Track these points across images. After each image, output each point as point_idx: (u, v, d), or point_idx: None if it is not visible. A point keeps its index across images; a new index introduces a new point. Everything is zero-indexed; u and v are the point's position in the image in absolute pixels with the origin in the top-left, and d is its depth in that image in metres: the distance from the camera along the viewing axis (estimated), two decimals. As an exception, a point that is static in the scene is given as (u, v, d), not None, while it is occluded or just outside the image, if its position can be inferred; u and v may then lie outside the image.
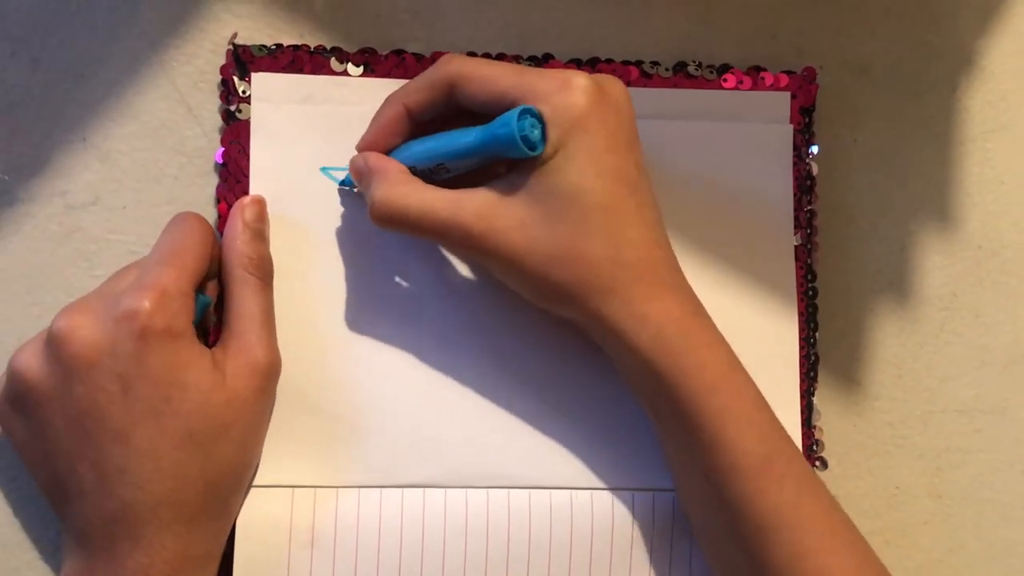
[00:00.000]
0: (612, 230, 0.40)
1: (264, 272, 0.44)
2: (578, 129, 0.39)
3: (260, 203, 0.45)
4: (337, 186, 0.47)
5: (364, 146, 0.43)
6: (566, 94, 0.39)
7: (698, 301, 0.42)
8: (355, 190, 0.46)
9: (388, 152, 0.43)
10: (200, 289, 0.43)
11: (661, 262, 0.41)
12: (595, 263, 0.39)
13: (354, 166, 0.43)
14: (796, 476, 0.40)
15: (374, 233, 0.46)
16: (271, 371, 0.43)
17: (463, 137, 0.40)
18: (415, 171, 0.42)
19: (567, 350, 0.46)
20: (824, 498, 0.40)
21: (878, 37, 0.50)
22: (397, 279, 0.46)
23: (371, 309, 0.46)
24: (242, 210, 0.44)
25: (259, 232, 0.44)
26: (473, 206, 0.40)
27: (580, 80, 0.40)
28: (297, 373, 0.45)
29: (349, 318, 0.46)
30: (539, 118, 0.39)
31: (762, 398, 0.41)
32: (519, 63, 0.48)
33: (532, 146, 0.38)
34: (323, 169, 0.46)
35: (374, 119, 0.43)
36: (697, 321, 0.41)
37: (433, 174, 0.42)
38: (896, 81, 0.50)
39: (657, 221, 0.42)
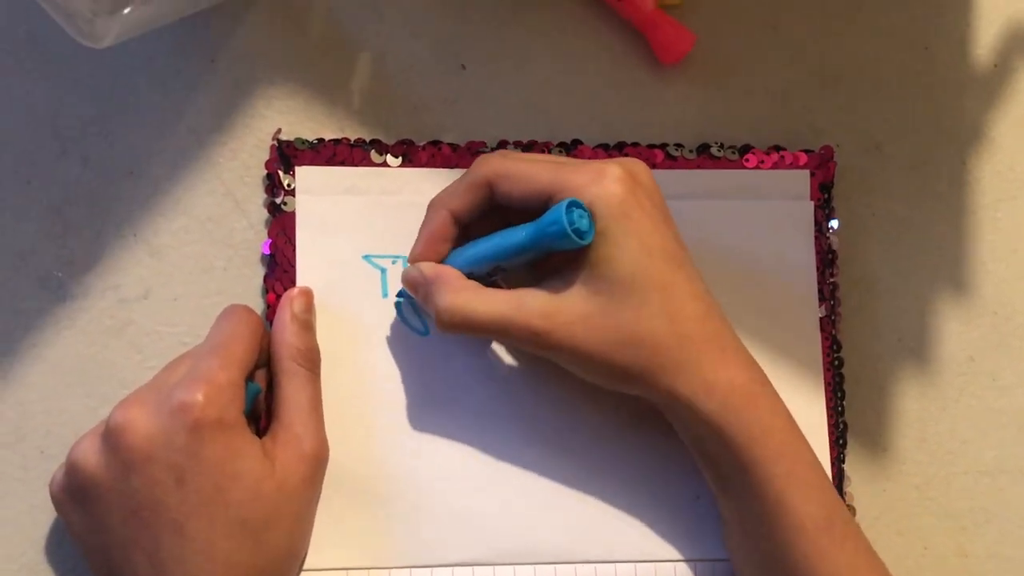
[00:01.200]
0: (671, 308, 0.40)
1: (312, 362, 0.44)
2: (620, 216, 0.40)
3: (307, 294, 0.45)
4: (380, 274, 0.47)
5: (416, 257, 0.43)
6: (603, 184, 0.40)
7: (757, 365, 0.42)
8: (403, 301, 0.46)
9: (440, 260, 0.43)
10: (250, 378, 0.43)
11: (720, 331, 0.41)
12: (660, 343, 0.40)
13: (409, 278, 0.43)
14: (854, 537, 0.41)
15: (416, 319, 0.46)
16: (319, 459, 0.43)
17: (514, 236, 0.41)
18: (471, 276, 0.42)
19: (611, 423, 0.46)
20: (876, 558, 0.42)
21: (889, 115, 0.50)
22: (439, 363, 0.46)
23: (415, 394, 0.46)
24: (290, 302, 0.44)
25: (307, 323, 0.44)
26: (535, 305, 0.40)
27: (613, 169, 0.40)
28: (345, 459, 0.45)
29: (394, 404, 0.46)
30: (584, 209, 0.40)
31: (819, 462, 0.42)
32: (549, 152, 0.48)
33: (582, 236, 0.39)
34: (366, 257, 0.47)
35: (422, 229, 0.43)
36: (760, 387, 0.41)
37: (489, 275, 0.43)
38: (908, 156, 0.50)
39: (707, 291, 0.42)
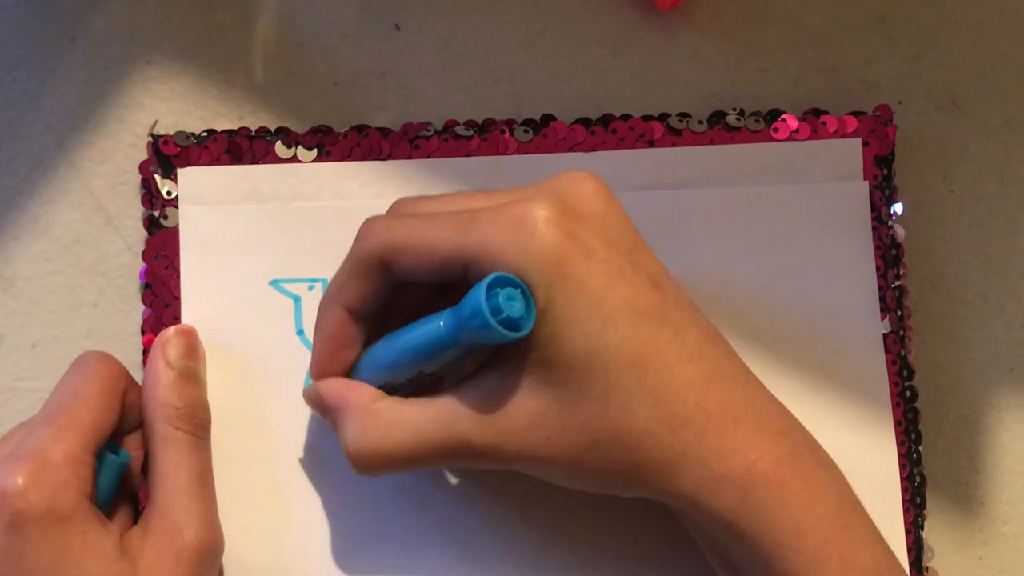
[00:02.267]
0: (651, 385, 0.34)
1: (195, 424, 0.38)
2: (559, 277, 0.33)
3: (187, 335, 0.39)
4: (294, 304, 0.40)
5: (317, 373, 0.38)
6: (527, 236, 0.33)
7: (791, 426, 0.36)
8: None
9: (348, 369, 0.38)
10: (118, 444, 0.38)
11: (727, 398, 0.35)
12: (643, 435, 0.34)
13: (310, 402, 0.38)
14: None
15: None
16: (205, 554, 0.37)
17: (431, 332, 0.35)
18: (390, 387, 0.37)
19: (599, 517, 0.41)
20: None
21: (967, 60, 0.45)
22: None
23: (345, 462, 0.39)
24: (163, 347, 0.39)
25: (187, 374, 0.38)
26: (470, 417, 0.35)
27: (536, 209, 0.33)
28: (250, 552, 0.39)
29: (315, 476, 0.40)
30: (515, 284, 0.33)
31: (887, 556, 0.35)
32: (512, 133, 0.42)
33: (516, 326, 0.33)
34: (274, 283, 0.40)
35: (315, 334, 0.38)
36: (792, 467, 0.35)
37: (416, 381, 0.37)
38: (994, 113, 0.45)
39: (707, 337, 0.35)
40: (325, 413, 0.37)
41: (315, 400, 0.38)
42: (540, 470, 0.35)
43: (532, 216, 0.33)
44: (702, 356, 0.35)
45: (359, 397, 0.36)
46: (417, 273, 0.35)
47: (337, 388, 0.37)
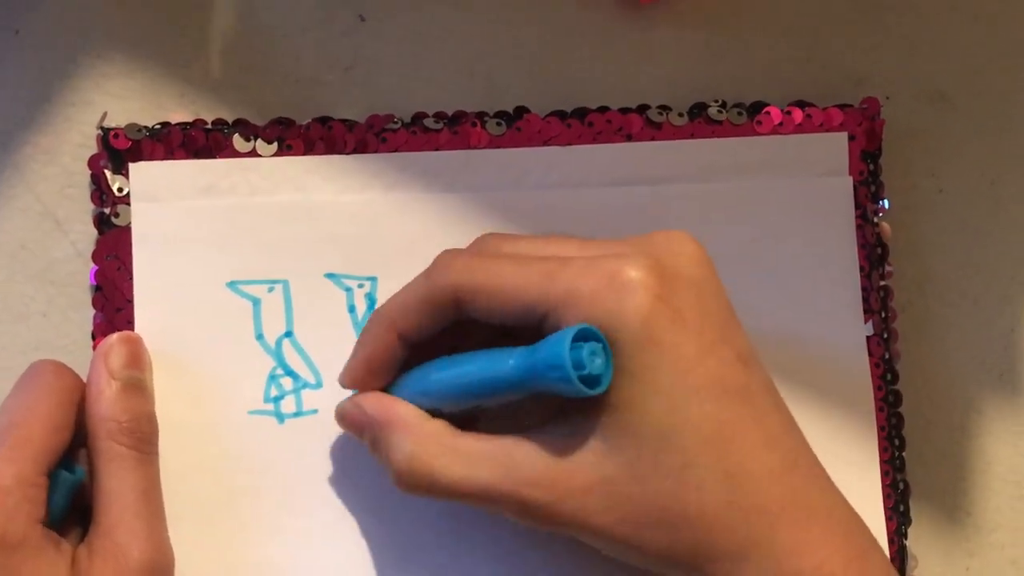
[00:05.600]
0: (728, 468, 0.33)
1: (139, 439, 0.36)
2: (647, 342, 0.32)
3: (130, 343, 0.37)
4: (252, 307, 0.38)
5: (350, 384, 0.37)
6: (619, 294, 0.32)
7: (858, 530, 0.34)
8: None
9: (382, 389, 0.37)
10: (71, 461, 0.36)
11: (803, 490, 0.33)
12: (712, 520, 0.32)
13: (347, 417, 0.36)
14: None
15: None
16: (153, 574, 0.36)
17: (498, 369, 0.33)
18: (432, 412, 0.35)
19: None
20: None
21: (959, 55, 0.44)
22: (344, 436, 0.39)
23: (311, 479, 0.38)
24: (105, 355, 0.37)
25: (131, 384, 0.37)
26: (531, 467, 0.33)
27: (632, 268, 0.32)
28: (201, 564, 0.38)
29: (271, 486, 0.38)
30: (599, 338, 0.32)
31: None
32: (483, 126, 0.40)
33: (595, 383, 0.32)
34: (231, 284, 0.38)
35: (359, 347, 0.37)
36: (861, 570, 0.33)
37: (462, 413, 0.36)
38: (986, 110, 0.44)
39: (785, 428, 0.34)
40: (364, 429, 0.36)
41: (355, 415, 0.36)
42: (591, 538, 0.34)
43: (626, 274, 0.32)
44: (781, 444, 0.34)
45: (409, 414, 0.35)
46: (491, 315, 0.34)
47: (383, 403, 0.36)
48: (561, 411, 0.34)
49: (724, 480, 0.33)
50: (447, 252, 0.36)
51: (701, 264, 0.34)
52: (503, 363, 0.33)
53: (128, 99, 0.40)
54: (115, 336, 0.37)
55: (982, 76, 0.44)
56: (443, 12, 0.41)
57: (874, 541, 0.34)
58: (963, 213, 0.43)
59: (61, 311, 0.39)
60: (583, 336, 0.32)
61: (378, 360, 0.36)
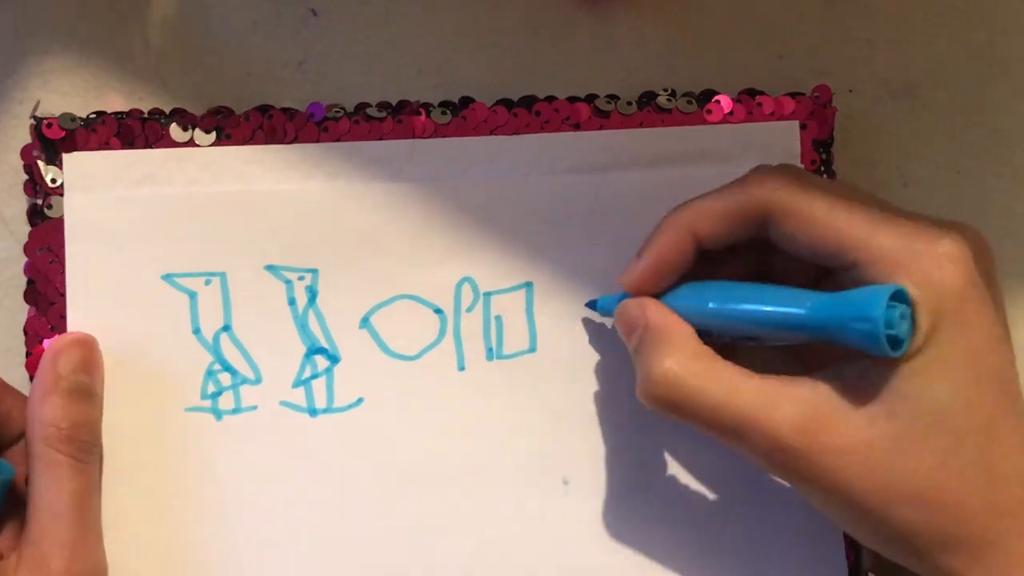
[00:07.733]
0: (988, 462, 0.32)
1: (78, 447, 0.34)
2: (953, 317, 0.31)
3: (83, 346, 0.35)
4: (189, 300, 0.36)
5: (631, 284, 0.35)
6: (939, 265, 0.31)
7: None
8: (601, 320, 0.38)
9: (659, 294, 0.35)
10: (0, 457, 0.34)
11: None
12: (963, 508, 0.31)
13: (627, 317, 0.35)
14: None
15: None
16: None
17: (788, 306, 0.32)
18: (706, 338, 0.34)
19: None
20: None
21: (925, 46, 0.42)
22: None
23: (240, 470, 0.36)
24: (55, 357, 0.34)
25: (79, 389, 0.35)
26: (793, 411, 0.32)
27: (951, 241, 0.32)
28: (140, 567, 0.36)
29: (213, 485, 0.36)
30: (908, 304, 0.31)
31: None
32: (430, 109, 0.38)
33: (897, 345, 0.31)
34: (167, 277, 0.36)
35: (649, 245, 0.35)
36: None
37: (731, 343, 0.34)
38: (951, 103, 0.42)
39: None
40: (635, 331, 0.35)
41: (635, 316, 0.35)
42: (831, 502, 0.32)
43: (953, 247, 0.31)
44: None
45: (683, 331, 0.34)
46: (794, 243, 0.33)
47: (664, 314, 0.34)
48: (835, 365, 0.33)
49: (984, 474, 0.32)
50: (764, 166, 0.35)
51: (994, 262, 0.34)
52: (799, 304, 0.32)
53: (74, 95, 0.39)
54: (68, 337, 0.35)
55: (947, 69, 0.43)
56: (397, 7, 0.40)
57: None
58: (929, 209, 0.40)
59: (8, 313, 0.37)
60: (894, 297, 0.31)
61: (668, 264, 0.35)
